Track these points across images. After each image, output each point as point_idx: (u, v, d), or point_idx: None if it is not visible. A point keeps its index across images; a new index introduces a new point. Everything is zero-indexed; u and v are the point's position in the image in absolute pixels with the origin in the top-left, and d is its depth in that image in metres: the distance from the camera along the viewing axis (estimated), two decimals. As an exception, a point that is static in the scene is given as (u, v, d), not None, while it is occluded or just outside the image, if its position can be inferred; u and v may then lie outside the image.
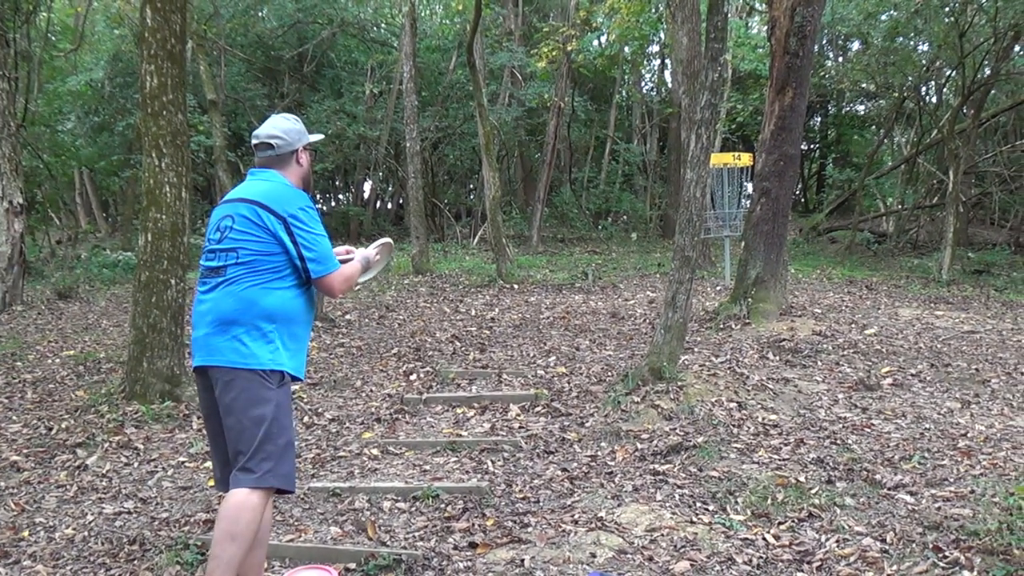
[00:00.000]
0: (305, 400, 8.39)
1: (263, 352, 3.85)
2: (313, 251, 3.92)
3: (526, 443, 6.85)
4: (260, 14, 26.89)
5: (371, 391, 8.76)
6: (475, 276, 17.37)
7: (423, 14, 29.54)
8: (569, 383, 8.60)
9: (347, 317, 12.85)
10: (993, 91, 21.98)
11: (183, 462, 6.66)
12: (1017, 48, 20.77)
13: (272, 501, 4.37)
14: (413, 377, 9.21)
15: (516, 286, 16.00)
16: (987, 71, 20.48)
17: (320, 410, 8.08)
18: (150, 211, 8.04)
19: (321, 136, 4.73)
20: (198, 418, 7.41)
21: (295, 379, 4.07)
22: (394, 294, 15.07)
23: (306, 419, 7.81)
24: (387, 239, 4.58)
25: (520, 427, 7.37)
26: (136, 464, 6.62)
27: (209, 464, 6.46)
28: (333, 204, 34.00)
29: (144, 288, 8.05)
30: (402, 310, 13.57)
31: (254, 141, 4.19)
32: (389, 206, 33.61)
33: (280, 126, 4.19)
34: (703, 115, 8.09)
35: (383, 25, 29.83)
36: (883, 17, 21.11)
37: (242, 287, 3.87)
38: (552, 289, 15.76)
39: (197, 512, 5.58)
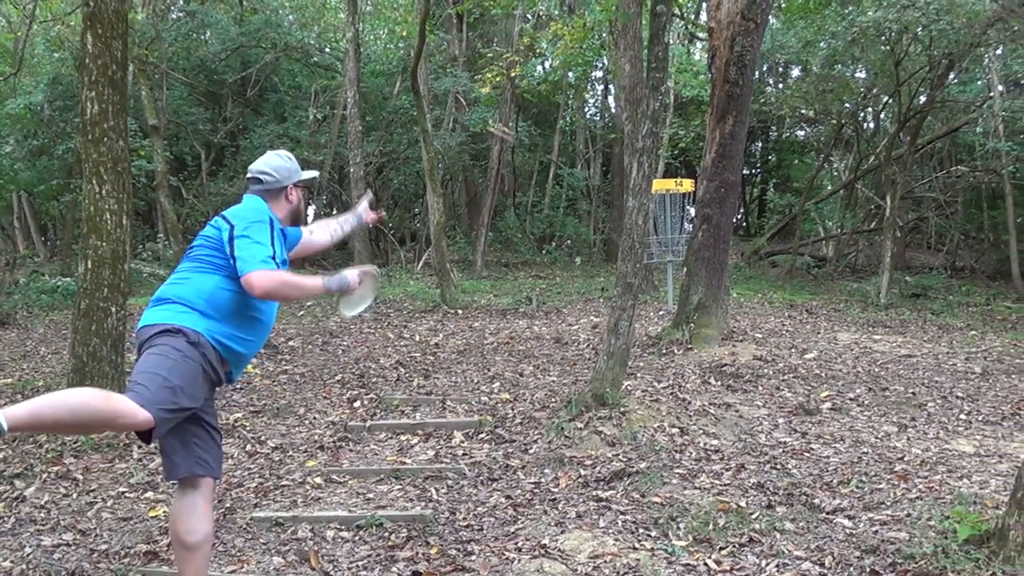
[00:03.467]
0: (248, 428, 8.30)
1: (183, 316, 3.94)
2: (242, 251, 3.95)
3: (470, 470, 6.85)
4: (203, 38, 26.62)
5: (314, 419, 8.68)
6: (419, 301, 17.28)
7: (367, 39, 29.40)
8: (513, 409, 8.60)
9: (291, 343, 12.74)
10: (929, 118, 22.34)
11: (123, 492, 6.57)
12: (951, 76, 21.16)
13: (213, 542, 4.36)
14: (357, 404, 9.15)
15: (460, 311, 15.98)
16: (923, 98, 20.84)
17: (263, 438, 8.00)
18: (90, 239, 7.93)
19: (315, 174, 4.80)
20: (139, 447, 7.33)
21: (229, 379, 4.17)
22: (338, 320, 14.97)
23: (248, 447, 7.74)
24: (371, 267, 4.49)
25: (464, 454, 7.39)
26: (75, 495, 6.52)
27: (149, 494, 6.45)
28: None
29: (84, 316, 7.91)
30: (346, 336, 13.48)
31: (248, 174, 4.37)
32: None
33: (271, 163, 4.36)
34: (645, 143, 8.08)
35: (327, 50, 29.70)
36: (821, 45, 21.36)
37: (185, 272, 4.07)
38: (496, 314, 15.75)
39: (137, 544, 5.51)
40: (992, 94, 21.27)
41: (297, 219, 4.46)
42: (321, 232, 4.86)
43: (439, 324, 14.69)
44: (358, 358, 11.66)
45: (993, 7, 15.88)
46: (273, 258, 3.99)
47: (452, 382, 10.14)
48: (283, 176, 4.33)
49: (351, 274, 4.26)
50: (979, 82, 22.64)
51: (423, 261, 24.88)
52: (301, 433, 8.21)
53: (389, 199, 30.21)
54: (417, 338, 13.25)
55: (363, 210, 5.08)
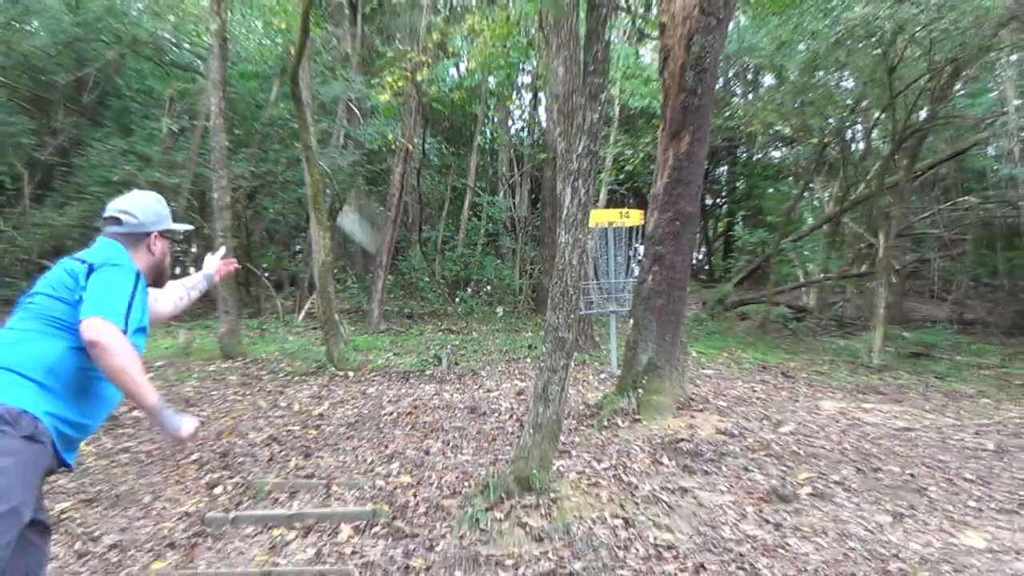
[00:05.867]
0: (78, 521, 8.04)
1: (17, 392, 3.90)
2: (93, 290, 4.00)
3: (361, 573, 6.76)
4: (28, 28, 26.31)
5: (164, 508, 8.45)
6: (300, 361, 17.17)
7: (237, 32, 29.08)
8: (416, 496, 8.48)
9: (134, 413, 12.31)
10: (930, 137, 22.68)
11: None
12: (957, 87, 21.45)
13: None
14: (218, 490, 8.95)
15: (351, 374, 15.90)
16: (923, 113, 21.10)
17: (97, 533, 7.77)
18: None
19: (188, 227, 5.02)
20: None
21: (62, 464, 4.14)
22: (196, 384, 14.79)
23: (78, 546, 7.51)
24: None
25: (353, 552, 7.24)
26: None
27: None
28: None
29: None
30: (206, 404, 13.25)
31: (104, 214, 4.44)
32: (191, 272, 32.81)
33: (136, 203, 4.48)
34: (581, 164, 8.09)
35: (186, 45, 29.45)
36: (800, 47, 21.48)
37: (21, 328, 4.04)
38: (397, 377, 15.69)
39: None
40: (1007, 109, 21.45)
41: (160, 277, 4.53)
42: (165, 300, 4.91)
43: (324, 390, 14.54)
44: (220, 432, 11.41)
45: (1006, 3, 16.09)
46: (126, 320, 4.03)
47: (340, 462, 9.97)
48: (148, 220, 4.43)
49: (187, 425, 4.37)
50: (991, 94, 22.96)
51: (305, 311, 24.83)
52: (146, 527, 7.97)
53: (263, 232, 29.90)
54: (296, 407, 13.09)
55: (213, 269, 5.28)
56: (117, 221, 4.41)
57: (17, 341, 3.98)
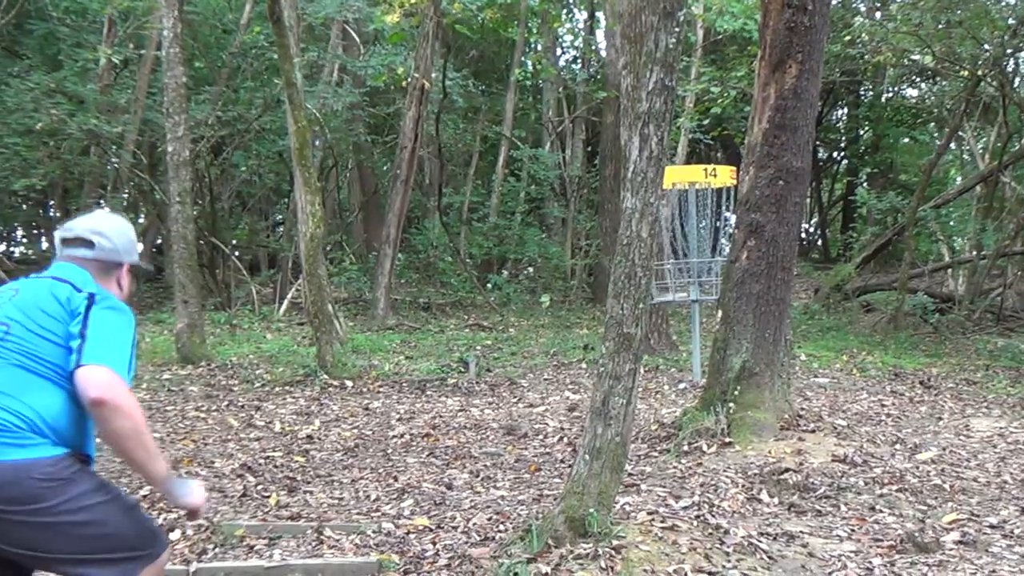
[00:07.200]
0: None
1: (32, 447, 4.12)
2: (98, 336, 4.22)
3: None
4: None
5: None
6: (282, 367, 17.23)
7: (197, -68, 29.09)
8: (435, 544, 8.43)
9: None
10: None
11: None
12: None
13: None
14: (175, 535, 8.85)
15: (350, 383, 15.97)
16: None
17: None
18: None
19: (150, 267, 5.08)
20: None
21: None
22: (145, 396, 14.81)
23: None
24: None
25: (352, 618, 7.26)
26: None
27: None
28: (44, 246, 33.19)
29: None
30: (159, 423, 13.23)
31: (65, 234, 4.61)
32: (139, 248, 32.76)
33: (109, 227, 4.70)
34: (652, 104, 7.75)
35: (130, -48, 29.44)
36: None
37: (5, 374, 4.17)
38: (409, 388, 15.77)
39: None
40: None
41: None
42: None
43: (314, 405, 14.62)
44: (177, 460, 11.41)
45: None
46: (129, 377, 4.35)
47: (334, 499, 9.99)
48: (122, 248, 4.67)
49: (197, 493, 4.59)
50: None
51: (288, 301, 24.96)
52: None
53: (232, 198, 29.81)
54: (278, 427, 13.17)
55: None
56: (88, 244, 4.54)
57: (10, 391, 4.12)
